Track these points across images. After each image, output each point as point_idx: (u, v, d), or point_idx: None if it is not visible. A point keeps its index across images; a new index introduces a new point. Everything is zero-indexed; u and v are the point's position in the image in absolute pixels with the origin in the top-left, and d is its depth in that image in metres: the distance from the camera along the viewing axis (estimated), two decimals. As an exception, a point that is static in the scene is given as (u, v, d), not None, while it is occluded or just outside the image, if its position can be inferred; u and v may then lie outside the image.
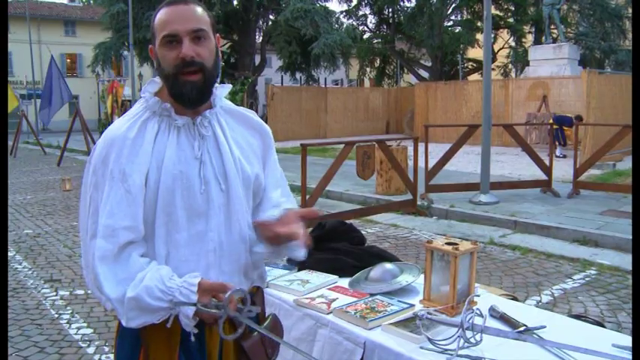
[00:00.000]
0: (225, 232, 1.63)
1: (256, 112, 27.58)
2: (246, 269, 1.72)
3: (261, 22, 30.21)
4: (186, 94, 1.58)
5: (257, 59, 29.92)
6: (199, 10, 1.62)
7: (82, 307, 5.01)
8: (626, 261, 6.33)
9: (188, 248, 1.59)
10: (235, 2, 26.51)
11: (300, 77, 31.05)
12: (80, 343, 4.30)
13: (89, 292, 4.94)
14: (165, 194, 1.56)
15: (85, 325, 4.64)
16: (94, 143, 2.14)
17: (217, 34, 1.69)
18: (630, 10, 27.20)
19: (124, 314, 1.52)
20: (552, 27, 22.26)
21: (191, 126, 1.63)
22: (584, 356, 1.86)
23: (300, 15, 24.91)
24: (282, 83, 28.51)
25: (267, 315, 1.80)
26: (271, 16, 29.58)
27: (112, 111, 20.01)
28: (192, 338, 1.56)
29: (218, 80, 1.69)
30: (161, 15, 1.60)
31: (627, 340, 2.08)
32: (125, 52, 26.35)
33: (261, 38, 30.64)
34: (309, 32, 24.95)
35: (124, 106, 20.11)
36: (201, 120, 1.65)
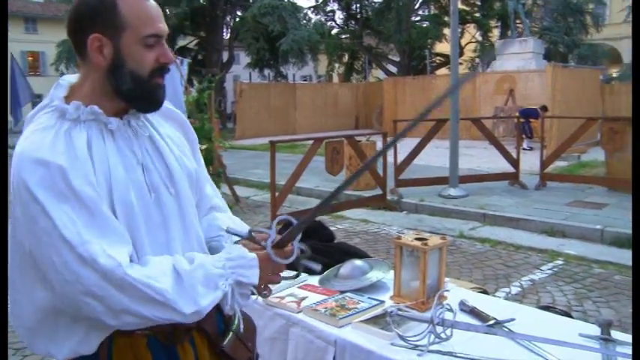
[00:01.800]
0: (184, 239, 1.50)
1: (224, 109, 27.46)
2: None
3: (228, 19, 30.01)
4: (159, 97, 1.47)
5: (225, 56, 29.71)
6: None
7: None
8: (591, 250, 6.46)
9: None
10: (202, -2, 26.30)
11: (269, 74, 30.92)
12: None
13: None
14: (123, 207, 1.37)
15: None
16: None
17: None
18: (591, 7, 27.81)
19: (189, 295, 1.34)
20: (518, 21, 22.56)
21: (124, 128, 1.45)
22: (553, 347, 1.88)
23: (268, 11, 24.79)
24: (250, 80, 28.40)
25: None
26: (239, 12, 29.41)
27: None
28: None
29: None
30: (139, 6, 1.39)
31: (594, 329, 2.11)
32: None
33: (228, 35, 30.42)
34: (277, 28, 24.85)
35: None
36: (134, 119, 1.48)
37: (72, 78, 1.49)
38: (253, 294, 1.54)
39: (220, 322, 1.59)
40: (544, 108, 14.40)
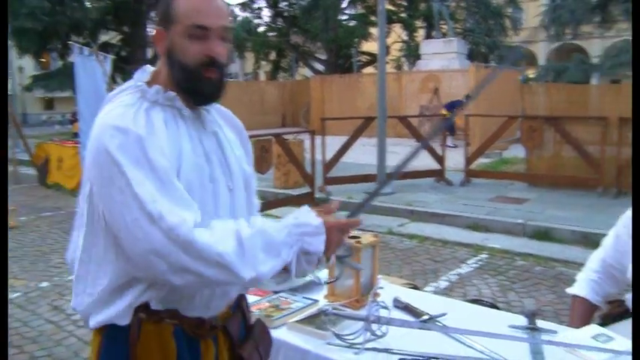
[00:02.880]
0: None
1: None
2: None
3: (154, 14, 29.32)
4: (207, 91, 1.51)
5: (150, 53, 29.02)
6: (225, 3, 1.53)
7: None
8: (514, 244, 6.71)
9: None
10: (126, -8, 25.52)
11: (195, 71, 30.39)
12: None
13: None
14: (185, 187, 1.41)
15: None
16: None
17: None
18: (509, 10, 28.94)
19: (249, 261, 1.35)
20: (442, 22, 23.13)
21: (195, 119, 1.53)
22: (484, 338, 1.93)
23: (194, 7, 24.37)
24: (176, 77, 27.74)
25: (252, 322, 1.73)
26: (164, 8, 28.75)
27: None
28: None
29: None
30: (192, 1, 1.46)
31: (521, 320, 2.18)
32: (4, 44, 24.67)
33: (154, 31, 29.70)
34: (203, 25, 24.45)
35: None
36: (205, 114, 1.57)
37: (154, 68, 1.57)
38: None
39: (243, 328, 1.65)
40: (468, 97, 14.89)
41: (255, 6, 31.57)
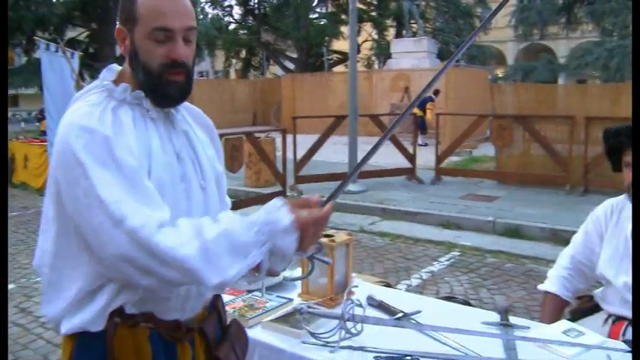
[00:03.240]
0: None
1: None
2: None
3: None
4: (171, 94, 1.47)
5: (118, 50, 28.67)
6: (189, 2, 1.48)
7: None
8: (485, 241, 6.78)
9: None
10: (93, -12, 25.13)
11: (164, 69, 30.12)
12: None
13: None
14: (157, 187, 1.38)
15: None
16: None
17: None
18: (479, 10, 29.31)
19: (214, 265, 1.29)
20: (412, 21, 23.29)
21: (164, 119, 1.51)
22: (458, 335, 1.94)
23: (163, 4, 24.13)
24: (145, 75, 27.44)
25: (228, 322, 1.71)
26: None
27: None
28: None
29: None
30: (153, 1, 1.42)
31: (494, 316, 2.20)
32: None
33: (122, 28, 29.33)
34: (173, 22, 24.25)
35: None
36: (174, 113, 1.54)
37: (121, 66, 1.54)
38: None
39: (219, 329, 1.63)
40: (436, 92, 15.07)
41: (226, 3, 31.42)
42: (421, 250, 6.56)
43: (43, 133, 14.64)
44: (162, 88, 1.45)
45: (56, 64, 9.64)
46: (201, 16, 27.53)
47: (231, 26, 32.58)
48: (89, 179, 1.30)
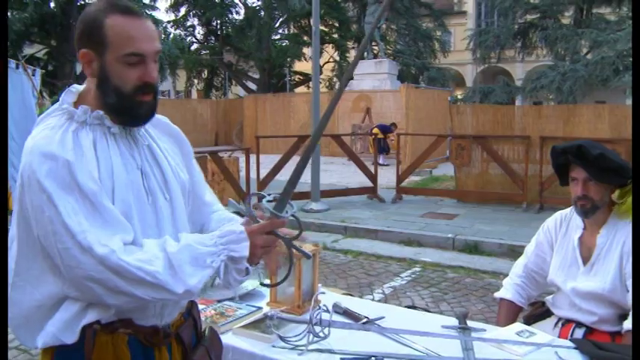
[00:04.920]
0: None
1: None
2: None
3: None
4: (142, 114, 1.53)
5: (79, 68, 28.35)
6: (153, 25, 1.55)
7: None
8: (444, 257, 6.95)
9: None
10: (52, 4, 24.86)
11: (126, 88, 29.86)
12: None
13: None
14: (122, 206, 1.46)
15: None
16: None
17: None
18: (438, 34, 30.00)
19: (179, 275, 1.40)
20: (374, 44, 23.70)
21: (125, 135, 1.55)
22: (420, 338, 2.06)
23: (125, 23, 23.99)
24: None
25: (203, 328, 1.78)
26: (94, 23, 28.15)
27: None
28: None
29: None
30: (122, 26, 1.46)
31: (453, 321, 2.32)
32: None
33: (82, 46, 29.02)
34: (135, 41, 24.12)
35: None
36: (135, 130, 1.58)
37: (81, 87, 1.57)
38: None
39: (194, 335, 1.70)
40: (394, 124, 15.53)
41: (188, 24, 31.41)
42: (383, 266, 6.69)
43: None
44: (134, 110, 1.51)
45: (16, 81, 9.49)
46: (164, 36, 27.46)
47: (194, 46, 32.58)
48: (54, 207, 1.35)
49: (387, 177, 11.95)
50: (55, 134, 1.42)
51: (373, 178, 10.52)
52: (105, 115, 1.50)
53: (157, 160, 1.60)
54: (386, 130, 16.14)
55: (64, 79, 23.60)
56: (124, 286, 1.37)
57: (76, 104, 1.51)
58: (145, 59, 1.48)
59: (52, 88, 21.44)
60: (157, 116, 1.71)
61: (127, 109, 1.50)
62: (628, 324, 2.28)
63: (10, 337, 1.37)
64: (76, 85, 1.57)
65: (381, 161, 14.77)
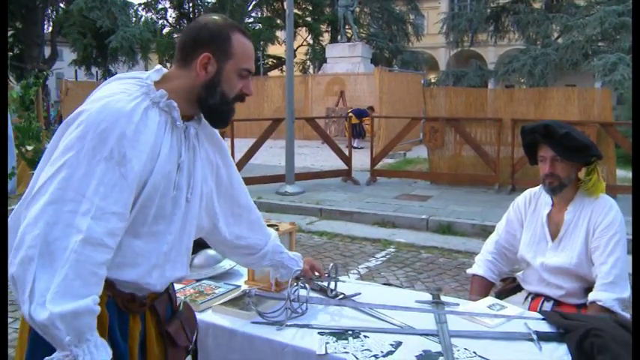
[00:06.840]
0: (177, 239, 1.68)
1: (47, 109, 25.17)
2: (180, 278, 1.78)
3: (50, 11, 28.11)
4: (228, 119, 1.73)
5: (47, 51, 27.83)
6: None
7: None
8: (418, 238, 7.06)
9: (144, 243, 1.60)
10: (16, -15, 24.30)
11: (97, 72, 29.46)
12: None
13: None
14: (151, 190, 1.55)
15: None
16: None
17: None
18: (411, 17, 30.06)
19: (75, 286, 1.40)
20: (347, 27, 23.68)
21: (182, 131, 1.66)
22: (395, 312, 2.12)
23: (96, 5, 23.62)
24: (76, 78, 26.83)
25: (178, 303, 1.84)
26: (62, 5, 27.64)
27: None
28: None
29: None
30: (244, 44, 1.68)
31: (427, 296, 2.39)
32: None
33: (50, 28, 28.51)
34: (106, 24, 23.80)
35: None
36: (192, 129, 1.70)
37: (165, 70, 1.68)
38: None
39: (169, 309, 1.76)
40: (371, 108, 15.51)
41: (160, 7, 31.00)
42: (358, 247, 6.78)
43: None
44: (226, 114, 1.71)
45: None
46: (135, 19, 27.06)
47: (166, 30, 32.18)
48: (91, 166, 1.43)
49: (361, 160, 12.02)
50: (128, 103, 1.51)
51: (347, 160, 10.58)
52: (176, 106, 1.61)
53: (195, 163, 1.72)
54: (362, 114, 16.17)
55: (32, 62, 23.14)
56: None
57: (157, 85, 1.61)
58: (249, 75, 1.70)
59: (20, 72, 21.02)
60: (208, 126, 1.82)
61: (223, 112, 1.69)
62: (592, 296, 2.37)
63: (11, 337, 1.38)
64: (163, 68, 1.68)
65: (355, 144, 14.85)
